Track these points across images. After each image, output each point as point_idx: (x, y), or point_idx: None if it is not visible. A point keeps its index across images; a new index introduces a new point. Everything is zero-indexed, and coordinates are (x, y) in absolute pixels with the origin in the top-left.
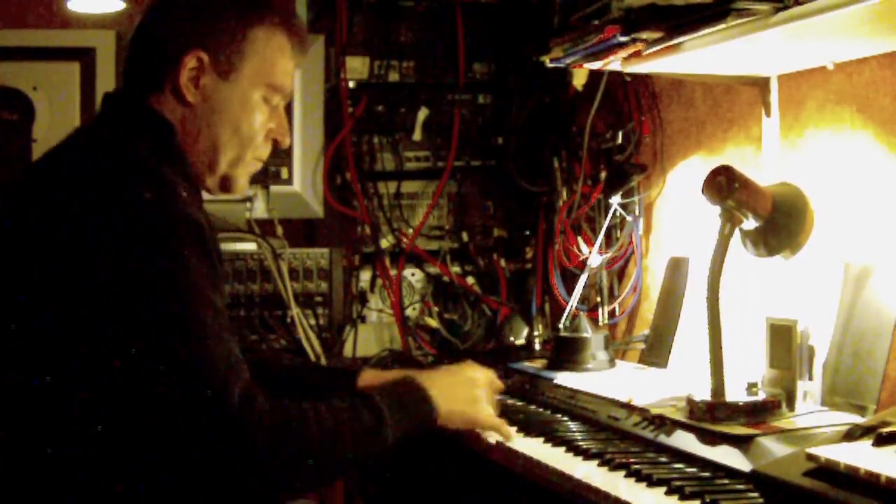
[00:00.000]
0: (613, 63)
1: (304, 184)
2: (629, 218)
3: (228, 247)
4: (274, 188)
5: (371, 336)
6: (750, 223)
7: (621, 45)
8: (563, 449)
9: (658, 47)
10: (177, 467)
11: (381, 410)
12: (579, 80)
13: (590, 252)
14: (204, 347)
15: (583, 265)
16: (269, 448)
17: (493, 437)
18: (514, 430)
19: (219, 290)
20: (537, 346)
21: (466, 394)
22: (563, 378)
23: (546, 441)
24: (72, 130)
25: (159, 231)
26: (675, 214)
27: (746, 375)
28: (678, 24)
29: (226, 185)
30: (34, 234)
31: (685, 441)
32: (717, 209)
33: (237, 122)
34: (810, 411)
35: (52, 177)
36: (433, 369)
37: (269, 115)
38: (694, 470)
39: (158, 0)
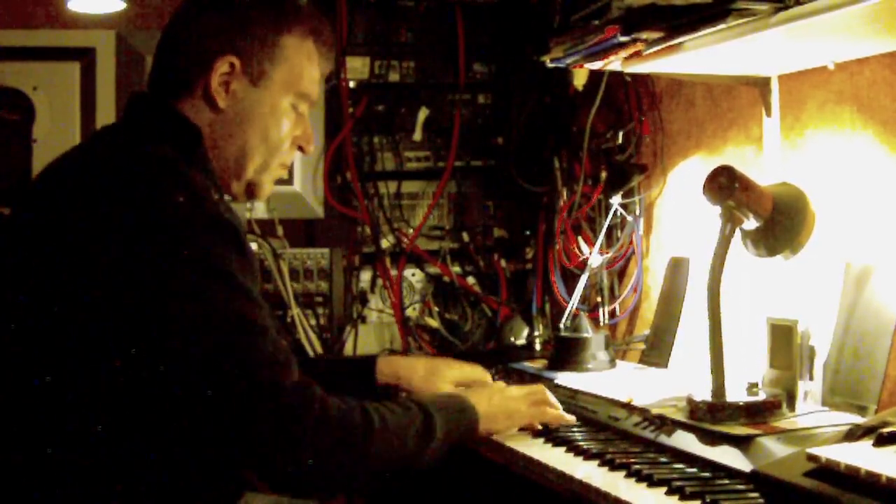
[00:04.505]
0: (614, 63)
1: (304, 184)
2: (630, 218)
3: None
4: (274, 188)
5: (371, 336)
6: (750, 223)
7: (622, 45)
8: (563, 449)
9: (658, 47)
10: (225, 459)
11: (427, 408)
12: (580, 80)
13: (590, 252)
14: (252, 341)
15: (583, 265)
16: (330, 435)
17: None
18: (513, 430)
19: (258, 288)
20: (538, 347)
21: (500, 395)
22: (564, 378)
23: (546, 441)
24: (98, 130)
25: (194, 232)
26: (676, 215)
27: (747, 375)
28: (678, 24)
29: (251, 191)
30: (65, 236)
31: (686, 441)
32: (718, 209)
33: (266, 129)
34: (811, 411)
35: (82, 179)
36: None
37: (295, 122)
38: (694, 470)
39: (189, 4)
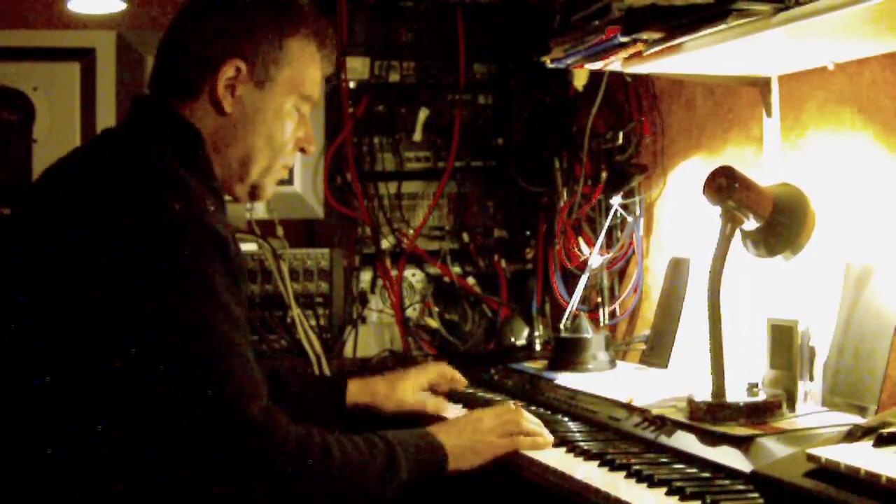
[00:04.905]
0: (614, 63)
1: (304, 184)
2: (630, 218)
3: None
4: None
5: (371, 337)
6: (751, 224)
7: (622, 46)
8: (563, 449)
9: (659, 48)
10: (187, 473)
11: (393, 446)
12: (580, 80)
13: (590, 252)
14: (226, 363)
15: (583, 266)
16: (290, 467)
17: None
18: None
19: (241, 307)
20: (538, 347)
21: (472, 428)
22: (564, 379)
23: None
24: (100, 133)
25: (186, 244)
26: (676, 215)
27: (747, 376)
28: (679, 24)
29: (255, 193)
30: (64, 237)
31: (686, 442)
32: (718, 210)
33: (270, 132)
34: (811, 412)
35: (82, 182)
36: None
37: (297, 124)
38: (694, 471)
39: (190, 6)
